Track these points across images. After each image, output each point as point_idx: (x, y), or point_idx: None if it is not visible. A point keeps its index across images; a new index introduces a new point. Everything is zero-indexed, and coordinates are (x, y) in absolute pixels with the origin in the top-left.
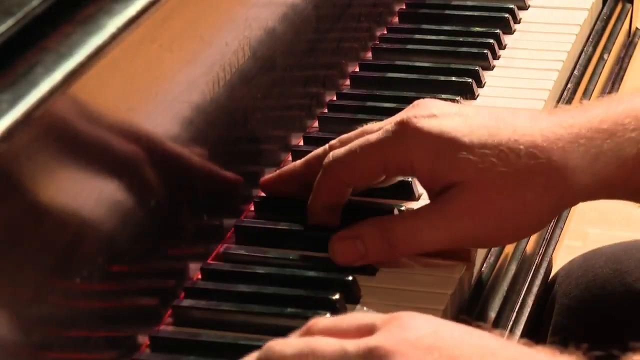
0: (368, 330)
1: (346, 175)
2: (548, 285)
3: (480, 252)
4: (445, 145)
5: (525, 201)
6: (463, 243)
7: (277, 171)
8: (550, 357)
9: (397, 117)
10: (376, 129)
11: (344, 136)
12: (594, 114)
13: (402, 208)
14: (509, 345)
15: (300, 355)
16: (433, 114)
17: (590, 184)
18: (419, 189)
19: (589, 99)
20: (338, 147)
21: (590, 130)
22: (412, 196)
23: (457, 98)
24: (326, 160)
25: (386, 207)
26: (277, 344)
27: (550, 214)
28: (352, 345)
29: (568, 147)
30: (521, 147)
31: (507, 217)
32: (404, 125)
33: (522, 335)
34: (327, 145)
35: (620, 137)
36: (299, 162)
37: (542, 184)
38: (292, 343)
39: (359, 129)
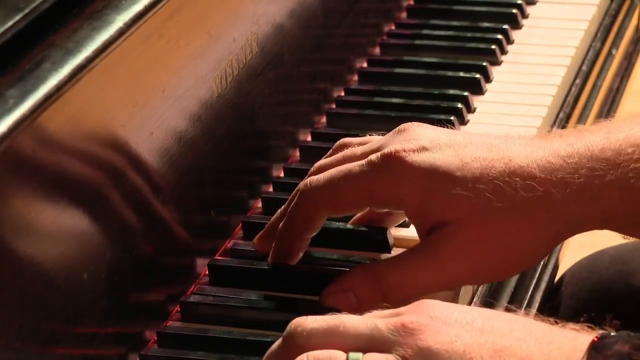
0: (394, 315)
1: (325, 205)
2: (554, 287)
3: None
4: (437, 181)
5: (522, 237)
6: (459, 284)
7: (265, 227)
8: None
9: (384, 146)
10: (359, 154)
11: (323, 162)
12: (593, 141)
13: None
14: (534, 322)
15: (330, 328)
16: (423, 146)
17: (590, 216)
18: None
19: (597, 94)
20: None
21: (591, 160)
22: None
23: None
24: (303, 187)
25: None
26: (303, 320)
27: (547, 248)
28: (383, 321)
29: (567, 179)
30: (517, 179)
31: (504, 254)
32: (392, 160)
33: None
34: (306, 179)
35: (625, 168)
36: (279, 211)
37: (540, 218)
38: (319, 318)
39: (340, 153)
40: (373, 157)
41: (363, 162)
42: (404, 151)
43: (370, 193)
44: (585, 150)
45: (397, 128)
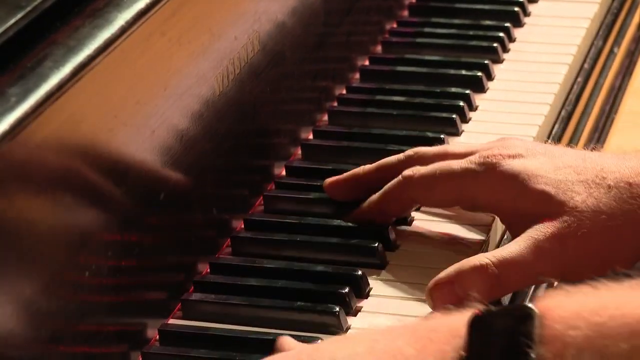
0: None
1: (420, 194)
2: None
3: (494, 240)
4: (528, 181)
5: (621, 235)
6: (555, 276)
7: (343, 174)
8: None
9: (485, 150)
10: (461, 152)
11: (422, 149)
12: None
13: None
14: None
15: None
16: (519, 153)
17: None
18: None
19: (598, 93)
20: (414, 157)
21: None
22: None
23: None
24: (407, 172)
25: None
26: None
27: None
28: (473, 157)
29: None
30: (610, 183)
31: (597, 254)
32: (489, 162)
33: None
34: (401, 155)
35: None
36: (367, 167)
37: (638, 219)
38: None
39: (442, 147)
40: (473, 157)
41: (464, 161)
42: (501, 155)
43: (460, 191)
44: None
45: (499, 139)
